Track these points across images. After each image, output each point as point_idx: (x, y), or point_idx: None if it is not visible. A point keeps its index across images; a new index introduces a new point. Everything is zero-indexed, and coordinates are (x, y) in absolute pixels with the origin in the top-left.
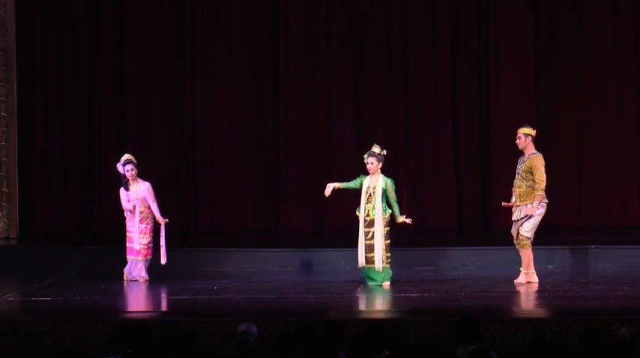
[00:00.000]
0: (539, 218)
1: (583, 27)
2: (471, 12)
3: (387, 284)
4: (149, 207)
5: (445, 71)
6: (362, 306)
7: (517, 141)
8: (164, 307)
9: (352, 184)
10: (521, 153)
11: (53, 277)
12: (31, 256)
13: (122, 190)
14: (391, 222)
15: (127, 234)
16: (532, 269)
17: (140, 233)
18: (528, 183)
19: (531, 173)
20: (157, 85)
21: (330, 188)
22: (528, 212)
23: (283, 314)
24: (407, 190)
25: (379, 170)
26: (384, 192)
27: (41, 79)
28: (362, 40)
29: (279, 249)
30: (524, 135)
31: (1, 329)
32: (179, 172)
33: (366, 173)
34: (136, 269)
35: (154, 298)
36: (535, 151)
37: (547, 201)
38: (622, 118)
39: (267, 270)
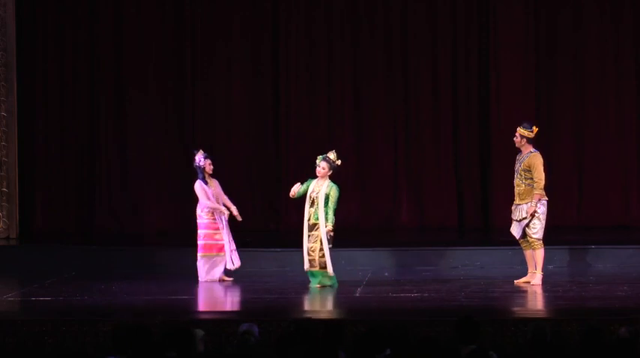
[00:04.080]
0: (543, 216)
1: (583, 27)
2: (471, 12)
3: (319, 286)
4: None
5: (445, 71)
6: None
7: (514, 139)
8: (164, 307)
9: (302, 190)
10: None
11: (53, 277)
12: (31, 256)
13: (202, 184)
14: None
15: (206, 231)
16: (532, 270)
17: (216, 229)
18: (527, 182)
19: (530, 171)
20: (156, 85)
21: (296, 188)
22: (529, 210)
23: (283, 314)
24: (407, 190)
25: (327, 176)
26: (327, 197)
27: (41, 79)
28: (362, 40)
29: (279, 249)
30: (520, 136)
31: (1, 329)
32: (179, 172)
33: (315, 176)
34: (219, 266)
35: (154, 298)
36: (533, 150)
37: (547, 199)
38: (622, 118)
39: (267, 270)
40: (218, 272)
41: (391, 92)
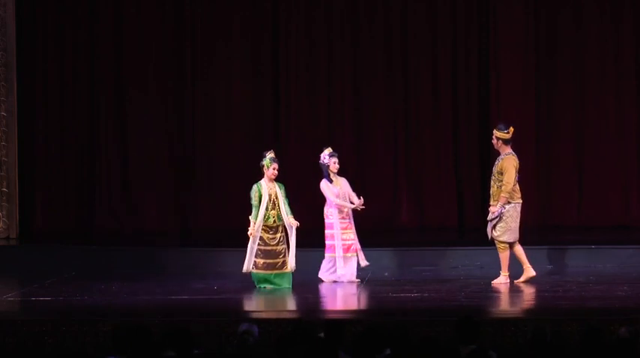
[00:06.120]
0: (511, 219)
1: (583, 27)
2: (471, 12)
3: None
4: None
5: (445, 71)
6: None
7: (492, 141)
8: (164, 307)
9: (256, 201)
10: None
11: (53, 277)
12: (31, 256)
13: (327, 183)
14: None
15: (333, 230)
16: (527, 265)
17: (346, 229)
18: (499, 184)
19: (502, 174)
20: (156, 85)
21: (256, 235)
22: (492, 210)
23: (283, 314)
24: (407, 190)
25: None
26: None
27: (41, 78)
28: (362, 40)
29: None
30: (497, 139)
31: (1, 329)
32: (179, 172)
33: (257, 181)
34: (349, 267)
35: (154, 298)
36: (509, 152)
37: (520, 202)
38: (622, 118)
39: None
40: (350, 272)
41: (391, 92)
